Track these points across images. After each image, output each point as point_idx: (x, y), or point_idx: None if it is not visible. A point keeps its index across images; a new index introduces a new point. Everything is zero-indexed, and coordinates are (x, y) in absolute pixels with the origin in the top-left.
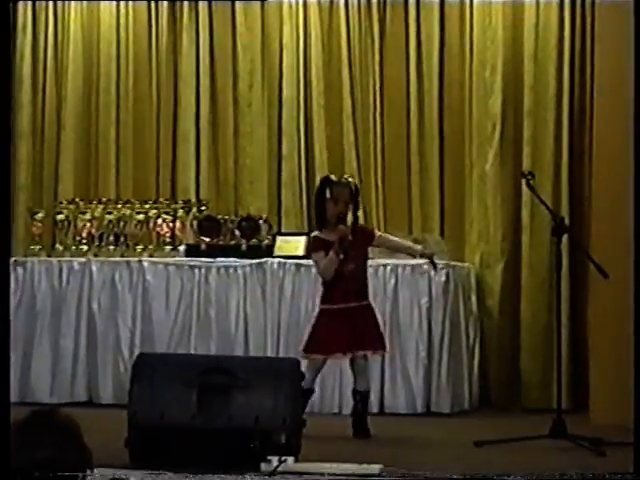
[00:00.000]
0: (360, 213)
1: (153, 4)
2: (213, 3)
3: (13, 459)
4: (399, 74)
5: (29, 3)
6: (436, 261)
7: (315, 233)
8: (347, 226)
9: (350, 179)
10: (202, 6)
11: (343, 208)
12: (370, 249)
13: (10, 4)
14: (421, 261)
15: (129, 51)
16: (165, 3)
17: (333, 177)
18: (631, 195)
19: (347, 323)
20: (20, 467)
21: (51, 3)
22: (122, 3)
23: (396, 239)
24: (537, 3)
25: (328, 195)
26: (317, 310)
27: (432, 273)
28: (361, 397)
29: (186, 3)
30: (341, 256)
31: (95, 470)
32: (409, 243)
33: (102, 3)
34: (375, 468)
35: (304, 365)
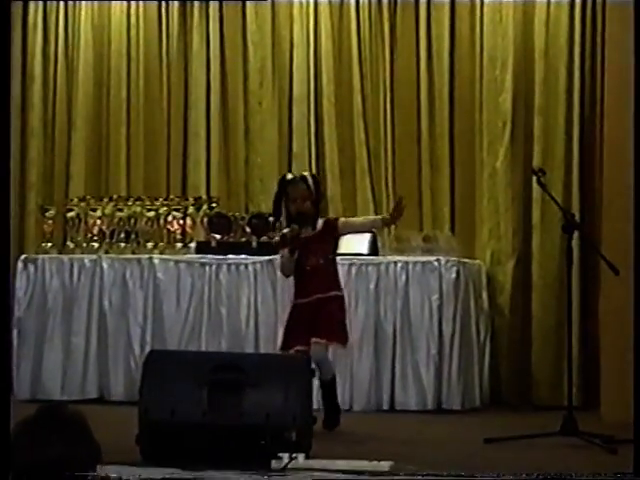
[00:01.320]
0: (371, 208)
1: (164, 3)
2: (224, 2)
3: (21, 457)
4: (409, 72)
5: (40, 3)
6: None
7: (283, 231)
8: (309, 220)
9: (305, 173)
10: (212, 5)
11: (301, 204)
12: (380, 246)
13: (18, 3)
14: (432, 258)
15: (140, 50)
16: (176, 3)
17: (289, 176)
18: (632, 195)
19: (308, 315)
20: (29, 465)
21: (62, 3)
22: (132, 2)
23: (358, 219)
24: (547, 0)
25: (287, 195)
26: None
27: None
28: (326, 385)
29: (196, 2)
30: (295, 254)
31: (106, 467)
32: (370, 218)
33: (113, 2)
34: (385, 465)
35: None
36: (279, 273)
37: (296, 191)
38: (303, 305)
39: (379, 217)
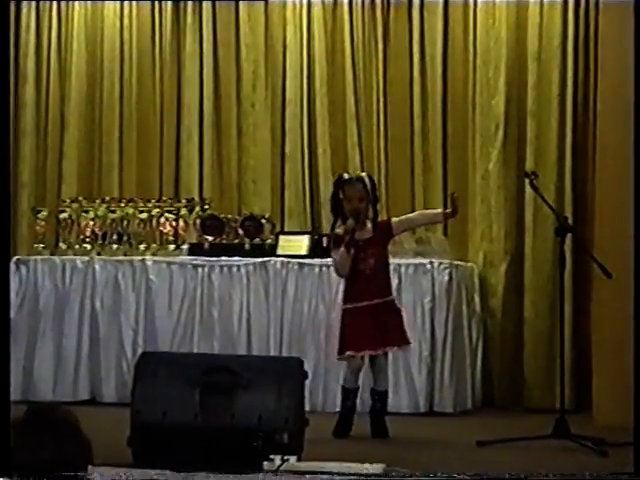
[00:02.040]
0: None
1: (157, 4)
2: (217, 3)
3: (13, 459)
4: (403, 74)
5: (33, 3)
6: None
7: (336, 231)
8: (365, 222)
9: (363, 174)
10: (206, 6)
11: (357, 205)
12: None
13: (11, 3)
14: (424, 260)
15: (133, 51)
16: (169, 3)
17: (346, 175)
18: (632, 196)
19: (372, 320)
20: (21, 466)
21: (55, 3)
22: (126, 3)
23: (414, 214)
24: (541, 3)
25: (342, 195)
26: (340, 310)
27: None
28: (380, 397)
29: (190, 3)
30: (352, 251)
31: (97, 468)
32: (428, 212)
33: (106, 3)
34: (378, 467)
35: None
36: (272, 275)
37: (352, 191)
38: (362, 309)
39: (439, 211)
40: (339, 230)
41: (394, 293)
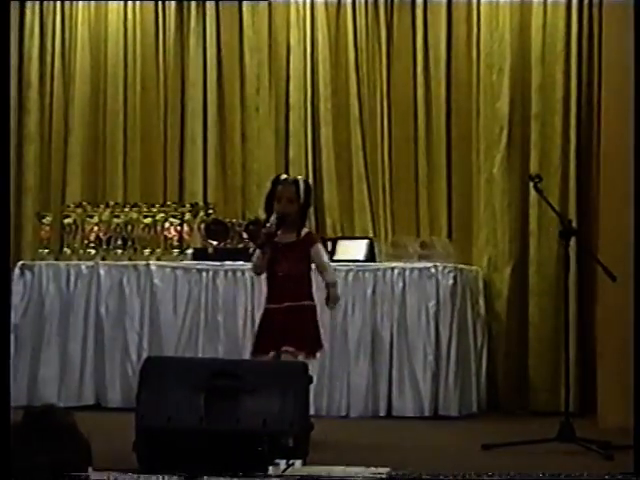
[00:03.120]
0: (368, 214)
1: (160, 7)
2: (220, 7)
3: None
4: (406, 77)
5: (37, 6)
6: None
7: (250, 228)
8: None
9: (299, 177)
10: (209, 9)
11: (286, 206)
12: (377, 252)
13: (11, 4)
14: (429, 264)
15: (136, 55)
16: (173, 6)
17: (282, 176)
18: (632, 199)
19: (279, 322)
20: (19, 471)
21: (59, 6)
22: (129, 6)
23: (321, 259)
24: (544, 5)
25: (275, 194)
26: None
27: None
28: None
29: (193, 6)
30: (266, 252)
31: (102, 473)
32: (329, 269)
33: (110, 8)
34: (383, 471)
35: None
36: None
37: (283, 191)
38: (274, 311)
39: (331, 278)
40: (264, 229)
41: (398, 297)
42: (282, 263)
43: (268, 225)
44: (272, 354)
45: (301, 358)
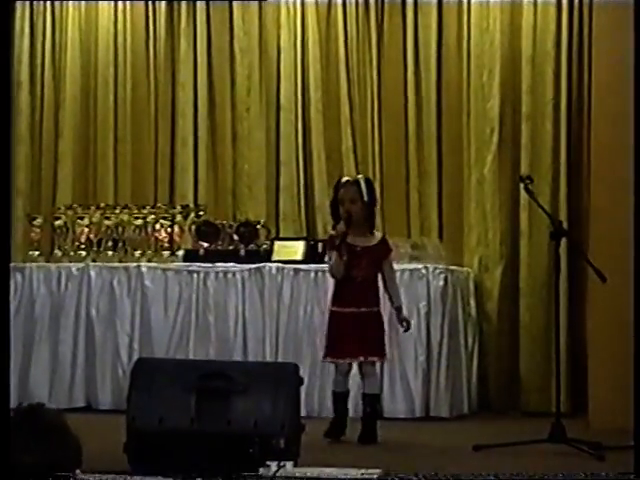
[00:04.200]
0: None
1: (151, 8)
2: (211, 8)
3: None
4: (397, 78)
5: (27, 8)
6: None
7: (330, 232)
8: (368, 229)
9: (360, 176)
10: (200, 11)
11: (349, 207)
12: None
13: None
14: (419, 265)
15: (127, 56)
16: (163, 8)
17: (344, 179)
18: (631, 199)
19: (354, 328)
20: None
21: (49, 9)
22: (120, 7)
23: (394, 275)
24: (535, 6)
25: (339, 197)
26: (328, 311)
27: (401, 329)
28: (367, 400)
29: (184, 7)
30: (345, 255)
31: (93, 475)
32: (397, 291)
33: (100, 9)
34: (374, 473)
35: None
36: (267, 280)
37: (345, 194)
38: (348, 315)
39: (399, 301)
40: (332, 232)
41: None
42: (359, 267)
43: (336, 230)
44: (348, 361)
45: (378, 364)
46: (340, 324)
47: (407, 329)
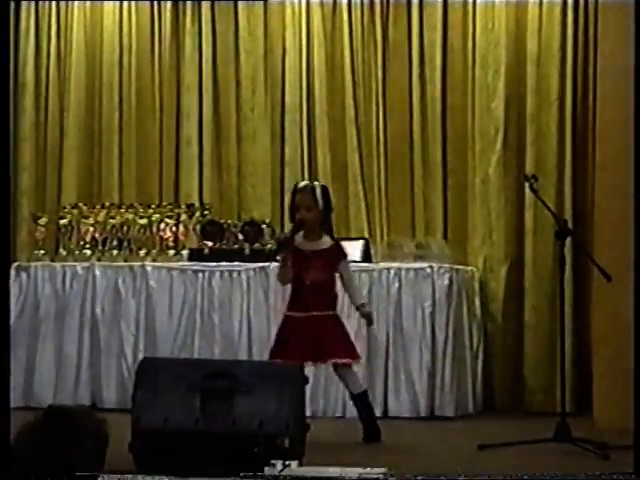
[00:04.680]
0: (364, 215)
1: (156, 10)
2: (216, 9)
3: (28, 460)
4: (402, 78)
5: (32, 9)
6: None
7: (278, 237)
8: (320, 233)
9: (316, 183)
10: (205, 12)
11: (304, 213)
12: (373, 253)
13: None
14: (424, 264)
15: (132, 57)
16: (168, 9)
17: (300, 184)
18: (632, 199)
19: (307, 332)
20: (35, 469)
21: (54, 10)
22: (125, 9)
23: (351, 276)
24: (540, 6)
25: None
26: (282, 315)
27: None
28: (358, 399)
29: (189, 8)
30: (289, 260)
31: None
32: (356, 290)
33: (105, 10)
34: (379, 472)
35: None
36: (272, 280)
37: (300, 200)
38: (298, 319)
39: (360, 299)
40: (280, 236)
41: (394, 297)
42: (309, 271)
43: (284, 233)
44: (310, 364)
45: (355, 366)
46: (288, 327)
47: (370, 324)
